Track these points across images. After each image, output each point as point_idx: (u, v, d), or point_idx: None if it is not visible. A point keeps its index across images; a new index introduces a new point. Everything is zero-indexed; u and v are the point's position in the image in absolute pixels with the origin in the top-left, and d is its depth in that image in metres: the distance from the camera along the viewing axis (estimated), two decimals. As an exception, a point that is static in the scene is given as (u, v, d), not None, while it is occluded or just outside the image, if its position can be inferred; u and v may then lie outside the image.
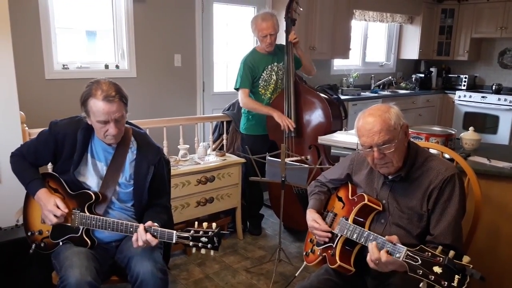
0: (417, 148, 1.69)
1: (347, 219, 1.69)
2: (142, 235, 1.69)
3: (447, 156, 2.12)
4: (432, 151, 2.02)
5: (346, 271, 1.67)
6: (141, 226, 1.71)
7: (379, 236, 1.51)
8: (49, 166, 2.16)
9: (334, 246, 1.70)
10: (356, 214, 1.69)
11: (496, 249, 2.27)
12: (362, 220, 1.69)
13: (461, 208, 1.57)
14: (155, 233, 1.70)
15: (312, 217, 1.82)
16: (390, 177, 1.69)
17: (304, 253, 1.97)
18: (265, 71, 3.29)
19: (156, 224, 1.74)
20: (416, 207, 1.61)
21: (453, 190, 1.57)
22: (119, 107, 1.75)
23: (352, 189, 1.84)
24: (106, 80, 1.78)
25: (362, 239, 1.58)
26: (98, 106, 1.72)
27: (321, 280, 1.74)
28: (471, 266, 1.26)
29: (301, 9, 3.36)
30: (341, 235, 1.68)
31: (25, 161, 1.93)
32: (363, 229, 1.61)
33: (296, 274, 2.74)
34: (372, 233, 1.56)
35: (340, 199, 1.87)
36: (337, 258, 1.67)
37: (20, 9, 3.29)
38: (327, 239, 1.75)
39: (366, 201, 1.68)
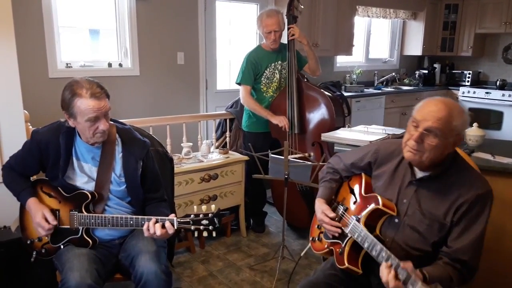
0: (456, 157, 1.59)
1: (358, 220, 1.61)
2: (155, 229, 1.70)
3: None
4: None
5: (354, 272, 1.63)
6: (153, 219, 1.72)
7: (393, 256, 1.42)
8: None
9: (343, 245, 1.65)
10: (369, 216, 1.62)
11: (500, 246, 2.26)
12: (374, 221, 1.62)
13: (485, 227, 1.50)
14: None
15: (321, 209, 1.75)
16: (419, 175, 1.59)
17: (311, 238, 1.91)
18: (268, 69, 3.29)
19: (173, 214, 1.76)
20: (440, 216, 1.52)
21: (484, 208, 1.49)
22: (106, 101, 1.75)
23: (366, 182, 1.75)
24: (83, 78, 1.76)
25: (374, 252, 1.49)
26: (87, 104, 1.69)
27: (327, 275, 1.71)
28: None
29: (302, 6, 3.36)
30: (351, 237, 1.62)
31: (14, 172, 1.92)
32: (375, 240, 1.52)
33: (302, 254, 2.66)
34: (385, 249, 1.46)
35: (352, 191, 1.78)
36: (345, 260, 1.62)
37: (24, 8, 3.30)
38: (336, 234, 1.69)
39: (380, 206, 1.59)
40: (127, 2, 3.81)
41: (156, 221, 1.71)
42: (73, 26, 3.71)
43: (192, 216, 1.68)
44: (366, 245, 1.54)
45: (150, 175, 1.96)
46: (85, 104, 1.70)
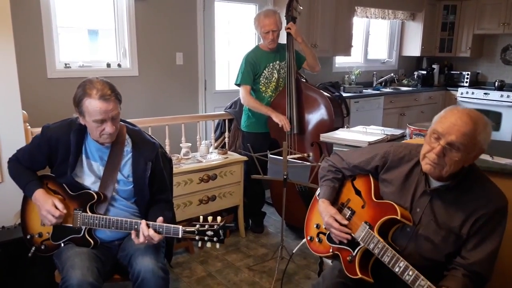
0: (473, 168, 1.54)
1: (371, 228, 1.55)
2: (144, 230, 1.68)
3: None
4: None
5: (365, 281, 1.56)
6: (143, 221, 1.70)
7: (422, 276, 1.37)
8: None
9: (353, 254, 1.59)
10: (383, 224, 1.55)
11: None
12: (386, 228, 1.57)
13: (501, 240, 1.49)
14: (160, 229, 1.69)
15: (329, 213, 1.68)
16: (435, 184, 1.54)
17: (308, 238, 1.85)
18: (266, 69, 3.29)
19: (161, 218, 1.73)
20: (456, 227, 1.49)
21: (501, 221, 1.48)
22: (115, 105, 1.74)
23: (374, 185, 1.68)
24: (99, 79, 1.76)
25: (397, 268, 1.44)
26: (95, 105, 1.70)
27: (335, 283, 1.64)
28: None
29: (301, 7, 3.37)
30: (364, 245, 1.56)
31: (21, 166, 1.92)
32: (397, 255, 1.46)
33: (294, 251, 2.67)
34: (411, 267, 1.41)
35: (358, 193, 1.71)
36: (357, 270, 1.56)
37: (22, 8, 3.29)
38: (345, 241, 1.63)
39: (398, 217, 1.51)
40: (125, 3, 3.81)
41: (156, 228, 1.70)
42: (71, 26, 3.71)
43: (197, 226, 1.66)
44: (386, 260, 1.48)
45: (158, 177, 1.96)
46: (93, 105, 1.70)
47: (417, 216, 1.55)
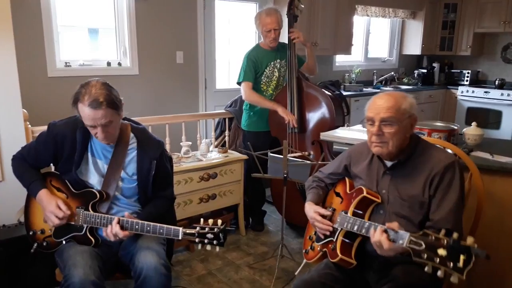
0: (419, 139, 1.73)
1: (346, 212, 1.70)
2: (114, 227, 1.72)
3: (449, 151, 2.11)
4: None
5: (348, 264, 1.67)
6: (116, 218, 1.73)
7: (380, 225, 1.51)
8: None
9: (334, 240, 1.71)
10: (355, 207, 1.69)
11: (498, 244, 2.27)
12: (361, 212, 1.69)
13: (461, 195, 1.60)
14: (127, 225, 1.73)
15: (313, 209, 1.82)
16: (389, 164, 1.71)
17: (304, 251, 1.97)
18: (267, 67, 3.29)
19: (133, 215, 1.78)
20: (418, 195, 1.63)
21: (454, 177, 1.60)
22: (106, 113, 1.71)
23: (349, 183, 1.86)
24: (98, 82, 1.74)
25: (363, 230, 1.58)
26: (84, 111, 1.71)
27: (321, 274, 1.74)
28: (476, 245, 1.26)
29: (303, 6, 3.37)
30: (341, 229, 1.69)
31: (26, 163, 1.93)
32: (363, 220, 1.62)
33: (296, 273, 2.73)
34: (372, 223, 1.56)
35: (338, 194, 1.88)
36: (338, 251, 1.66)
37: (22, 7, 3.30)
38: (328, 232, 1.75)
39: (364, 194, 1.69)
40: (126, 1, 3.81)
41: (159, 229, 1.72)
42: (72, 25, 3.71)
43: (198, 228, 1.66)
44: (356, 228, 1.62)
45: (162, 175, 1.97)
46: (83, 110, 1.72)
47: (384, 196, 1.71)
